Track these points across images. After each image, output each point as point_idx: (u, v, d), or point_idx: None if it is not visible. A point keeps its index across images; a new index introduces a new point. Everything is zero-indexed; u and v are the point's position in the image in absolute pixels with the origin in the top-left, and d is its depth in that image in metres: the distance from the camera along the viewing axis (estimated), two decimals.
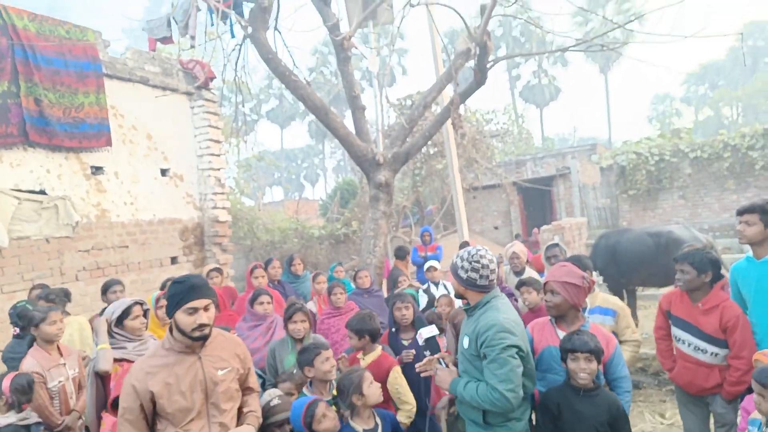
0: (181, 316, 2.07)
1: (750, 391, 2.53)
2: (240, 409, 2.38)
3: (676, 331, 3.09)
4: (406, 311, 3.59)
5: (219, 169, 8.24)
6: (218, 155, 8.23)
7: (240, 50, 6.20)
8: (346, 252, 14.07)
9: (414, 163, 13.49)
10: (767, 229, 2.83)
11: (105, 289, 4.46)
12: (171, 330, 2.15)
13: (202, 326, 2.08)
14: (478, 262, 2.40)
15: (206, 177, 8.07)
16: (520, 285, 3.75)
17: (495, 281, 2.46)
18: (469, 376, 2.44)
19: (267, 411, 2.55)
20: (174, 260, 7.56)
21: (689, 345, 2.99)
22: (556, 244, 4.85)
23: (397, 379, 3.09)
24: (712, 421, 3.12)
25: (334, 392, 2.63)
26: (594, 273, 3.80)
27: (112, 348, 2.80)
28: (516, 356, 2.25)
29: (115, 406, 2.45)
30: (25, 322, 3.47)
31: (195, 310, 2.08)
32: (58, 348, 3.34)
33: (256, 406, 2.41)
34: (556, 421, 2.44)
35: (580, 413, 2.37)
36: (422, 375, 2.80)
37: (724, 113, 42.66)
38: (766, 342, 2.77)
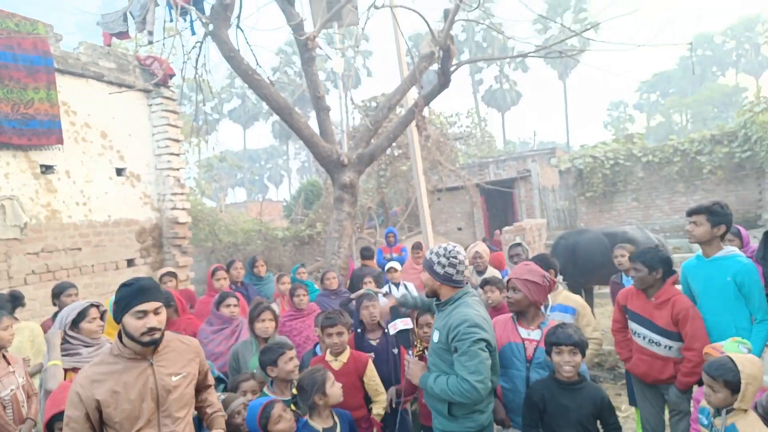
0: (129, 320, 1.97)
1: (702, 382, 2.66)
2: (203, 410, 2.34)
3: (632, 325, 3.24)
4: (374, 309, 3.59)
5: (178, 169, 8.02)
6: (178, 155, 8.01)
7: (201, 47, 6.07)
8: (310, 253, 13.96)
9: (379, 165, 13.51)
10: (714, 229, 3.00)
11: (58, 293, 4.27)
12: (120, 336, 2.05)
13: (152, 330, 1.99)
14: (455, 257, 2.48)
15: (165, 177, 7.84)
16: (484, 284, 3.83)
17: (466, 277, 2.55)
18: (438, 370, 2.50)
19: (231, 417, 2.53)
20: (130, 263, 7.31)
21: (644, 338, 3.14)
22: (519, 244, 5.01)
23: (373, 371, 3.17)
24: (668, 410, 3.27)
25: (294, 391, 2.62)
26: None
27: (67, 354, 2.68)
28: (485, 349, 2.33)
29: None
30: None
31: (144, 313, 1.98)
32: (4, 356, 3.17)
33: (216, 402, 2.39)
34: (542, 415, 2.50)
35: (565, 407, 2.42)
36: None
37: (674, 120, 44.77)
38: (713, 335, 2.92)
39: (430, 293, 2.60)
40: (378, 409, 3.09)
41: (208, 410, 2.36)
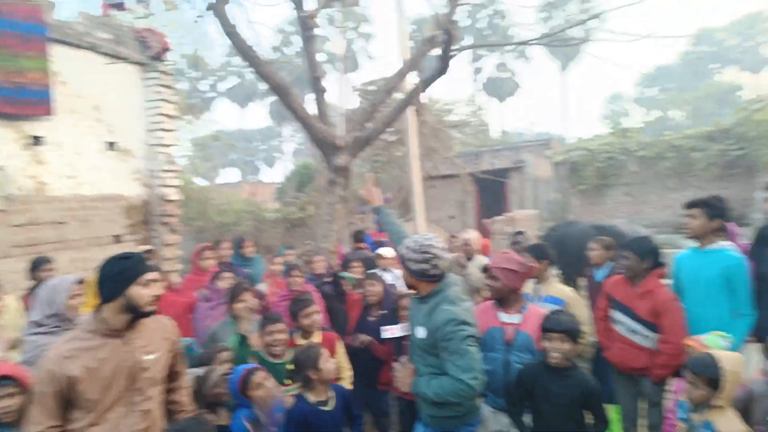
0: (137, 290, 1.98)
1: (677, 374, 2.69)
2: (173, 411, 2.31)
3: (613, 314, 3.27)
4: (371, 288, 3.73)
5: (171, 146, 7.91)
6: (171, 131, 7.90)
7: (200, 23, 5.96)
8: (301, 236, 13.90)
9: (373, 150, 13.43)
10: (710, 222, 3.03)
11: (35, 266, 4.24)
12: (97, 311, 2.02)
13: (156, 299, 2.04)
14: (427, 252, 2.38)
15: (156, 153, 7.74)
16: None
17: (445, 268, 2.47)
18: (424, 365, 2.47)
19: (199, 382, 2.57)
20: (117, 239, 7.23)
21: (624, 326, 3.18)
22: (521, 232, 5.09)
23: (342, 350, 3.36)
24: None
25: (290, 366, 2.81)
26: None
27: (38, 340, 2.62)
28: (474, 344, 2.33)
29: None
30: None
31: (151, 282, 2.03)
32: None
33: (186, 400, 2.37)
34: (530, 397, 2.54)
35: (551, 391, 2.46)
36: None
37: (672, 115, 44.74)
38: (695, 327, 2.96)
39: (409, 287, 2.58)
40: (346, 384, 3.23)
41: (177, 409, 2.33)
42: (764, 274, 3.05)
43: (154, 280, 2.09)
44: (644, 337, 3.08)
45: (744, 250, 3.33)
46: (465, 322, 2.32)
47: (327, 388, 2.78)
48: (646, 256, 3.10)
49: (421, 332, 2.45)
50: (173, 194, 7.88)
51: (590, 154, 14.42)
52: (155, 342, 2.15)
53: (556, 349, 2.45)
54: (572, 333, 2.46)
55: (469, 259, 4.64)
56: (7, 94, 5.75)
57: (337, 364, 3.17)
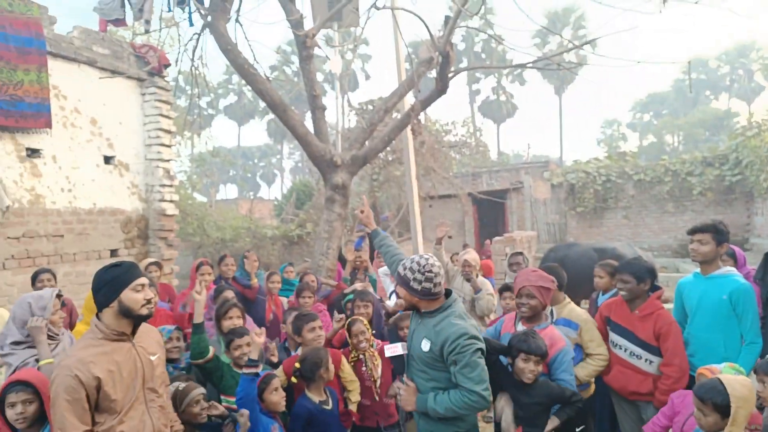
0: (129, 295, 2.07)
1: None
2: None
3: (613, 337, 3.20)
4: (365, 309, 3.74)
5: (168, 161, 7.90)
6: (168, 146, 7.90)
7: (198, 39, 5.99)
8: (299, 253, 13.83)
9: (372, 168, 13.45)
10: (719, 248, 2.99)
11: (33, 278, 4.20)
12: (99, 318, 2.10)
13: (149, 302, 2.11)
14: (430, 272, 2.44)
15: (154, 168, 7.72)
16: (504, 290, 4.11)
17: (443, 286, 2.51)
18: (425, 380, 2.46)
19: (177, 396, 2.54)
20: (114, 252, 7.17)
21: (625, 350, 3.11)
22: (520, 253, 5.04)
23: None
24: None
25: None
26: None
27: (30, 347, 2.56)
28: (482, 357, 2.37)
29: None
30: None
31: (142, 286, 2.11)
32: None
33: (173, 414, 2.38)
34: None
35: (520, 401, 2.63)
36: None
37: (666, 140, 45.23)
38: (700, 353, 2.90)
39: (409, 307, 2.59)
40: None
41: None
42: None
43: (145, 285, 2.14)
44: (647, 362, 3.02)
45: (749, 276, 3.28)
46: (475, 337, 2.37)
47: (324, 389, 2.99)
48: (645, 277, 3.05)
49: (425, 345, 2.45)
50: (170, 209, 7.84)
51: (588, 177, 14.48)
52: (153, 344, 2.26)
53: (531, 370, 2.56)
54: (545, 357, 2.61)
55: (467, 279, 4.58)
56: (4, 106, 5.74)
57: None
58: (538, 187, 16.20)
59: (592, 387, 3.32)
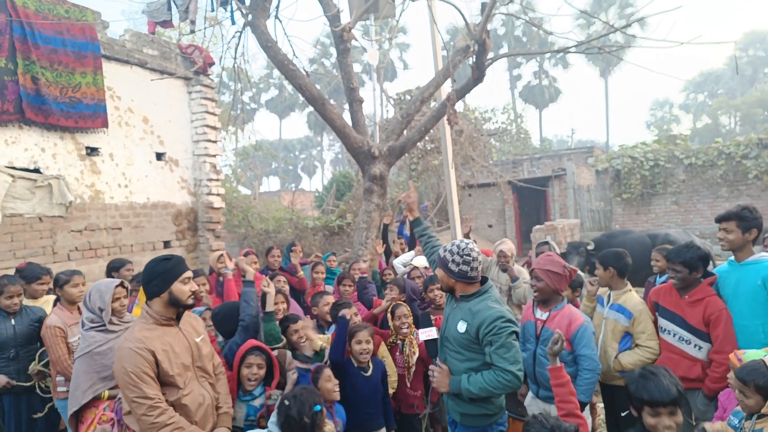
0: (179, 286, 2.30)
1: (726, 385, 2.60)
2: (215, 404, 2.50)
3: (662, 322, 3.18)
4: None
5: (215, 156, 8.24)
6: (214, 141, 8.23)
7: (240, 37, 6.20)
8: (339, 244, 14.08)
9: (410, 158, 13.49)
10: (746, 235, 2.91)
11: (118, 267, 4.58)
12: (149, 306, 2.33)
13: (194, 293, 2.35)
14: (469, 255, 2.54)
15: (201, 163, 8.07)
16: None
17: (480, 272, 2.61)
18: (460, 360, 2.56)
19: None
20: (167, 244, 7.57)
21: (674, 335, 3.08)
22: (546, 242, 5.05)
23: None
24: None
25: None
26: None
27: (95, 336, 2.78)
28: (516, 339, 2.48)
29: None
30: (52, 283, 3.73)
31: (189, 279, 2.33)
32: (78, 309, 3.44)
33: (227, 397, 2.55)
34: None
35: None
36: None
37: (722, 122, 42.83)
38: (740, 340, 2.85)
39: (446, 289, 2.70)
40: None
41: (217, 408, 2.49)
42: None
43: (191, 278, 2.38)
44: (696, 348, 2.98)
45: None
46: (511, 321, 2.47)
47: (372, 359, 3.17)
48: (698, 266, 3.02)
49: (462, 327, 2.54)
50: (218, 202, 8.19)
51: (635, 162, 14.00)
52: (197, 327, 2.52)
53: (667, 426, 2.45)
54: (678, 403, 2.42)
55: (504, 270, 4.58)
56: (64, 107, 6.15)
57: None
58: (581, 173, 15.79)
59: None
